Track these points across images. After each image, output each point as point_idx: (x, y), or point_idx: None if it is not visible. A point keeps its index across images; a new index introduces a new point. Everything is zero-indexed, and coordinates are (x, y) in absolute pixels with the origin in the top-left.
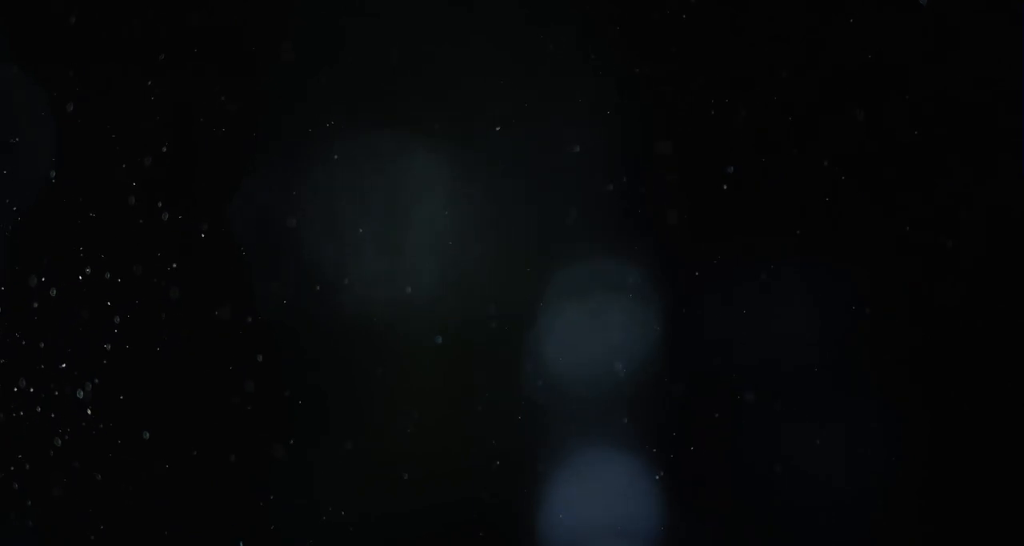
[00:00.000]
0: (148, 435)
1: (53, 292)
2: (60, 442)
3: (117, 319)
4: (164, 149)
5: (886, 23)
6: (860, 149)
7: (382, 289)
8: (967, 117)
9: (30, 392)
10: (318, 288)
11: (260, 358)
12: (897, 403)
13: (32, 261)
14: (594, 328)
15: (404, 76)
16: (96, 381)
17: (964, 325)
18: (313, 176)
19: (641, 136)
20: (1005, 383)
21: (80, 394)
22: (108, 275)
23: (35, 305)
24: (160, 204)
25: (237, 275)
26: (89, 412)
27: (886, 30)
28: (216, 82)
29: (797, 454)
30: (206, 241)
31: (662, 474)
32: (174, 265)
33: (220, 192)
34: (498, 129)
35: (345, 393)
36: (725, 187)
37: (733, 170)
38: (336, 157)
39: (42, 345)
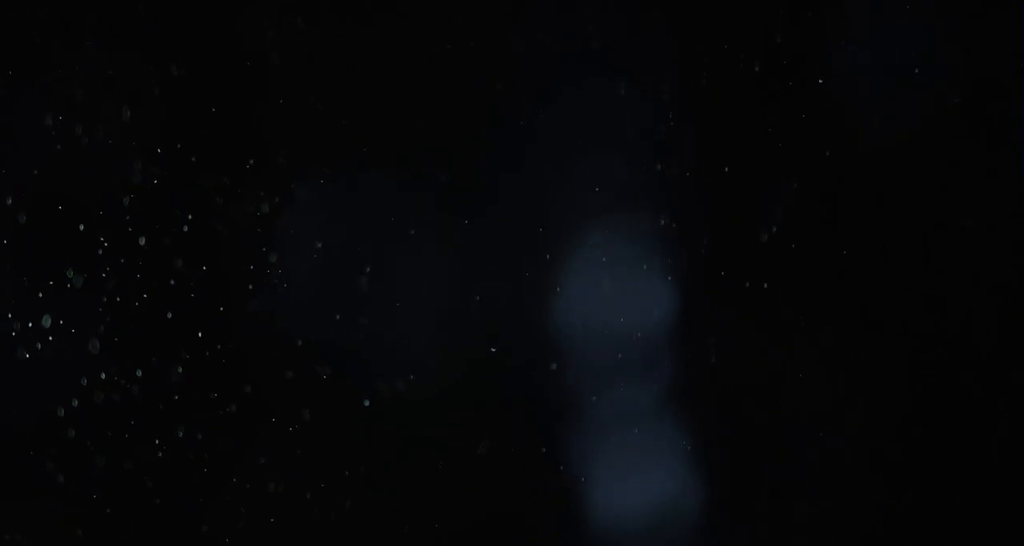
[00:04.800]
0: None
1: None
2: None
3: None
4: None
5: (885, 23)
6: (859, 149)
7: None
8: (966, 117)
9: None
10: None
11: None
12: (905, 403)
13: (31, 262)
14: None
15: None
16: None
17: (964, 326)
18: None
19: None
20: (1006, 384)
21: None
22: (103, 277)
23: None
24: (154, 210)
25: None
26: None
27: (885, 30)
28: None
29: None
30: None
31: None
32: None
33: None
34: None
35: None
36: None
37: (731, 170)
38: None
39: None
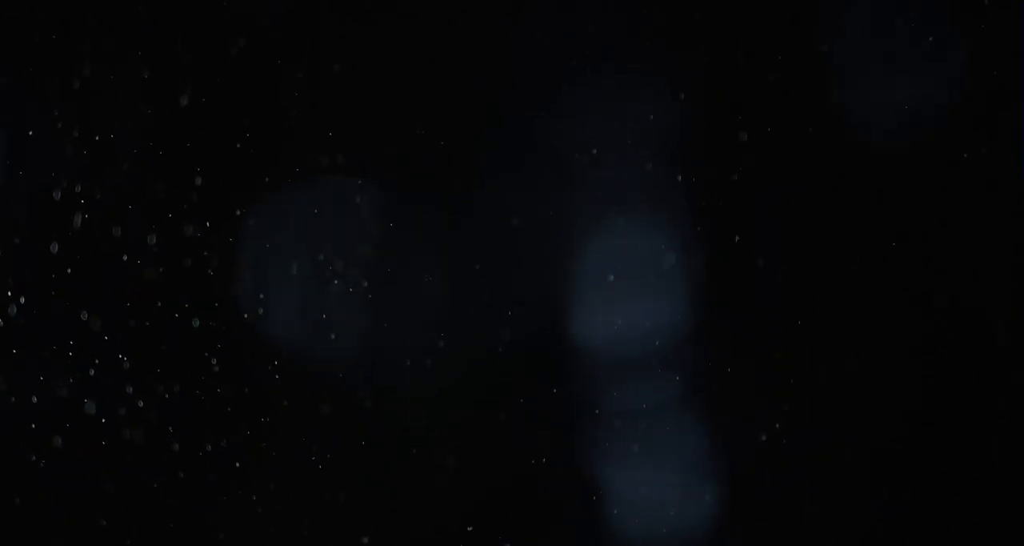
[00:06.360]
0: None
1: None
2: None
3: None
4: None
5: (885, 23)
6: (859, 149)
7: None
8: (967, 117)
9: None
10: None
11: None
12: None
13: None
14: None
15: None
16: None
17: (964, 326)
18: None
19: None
20: (1006, 384)
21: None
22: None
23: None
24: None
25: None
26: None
27: (885, 30)
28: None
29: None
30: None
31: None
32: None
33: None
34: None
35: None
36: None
37: (739, 173)
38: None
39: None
